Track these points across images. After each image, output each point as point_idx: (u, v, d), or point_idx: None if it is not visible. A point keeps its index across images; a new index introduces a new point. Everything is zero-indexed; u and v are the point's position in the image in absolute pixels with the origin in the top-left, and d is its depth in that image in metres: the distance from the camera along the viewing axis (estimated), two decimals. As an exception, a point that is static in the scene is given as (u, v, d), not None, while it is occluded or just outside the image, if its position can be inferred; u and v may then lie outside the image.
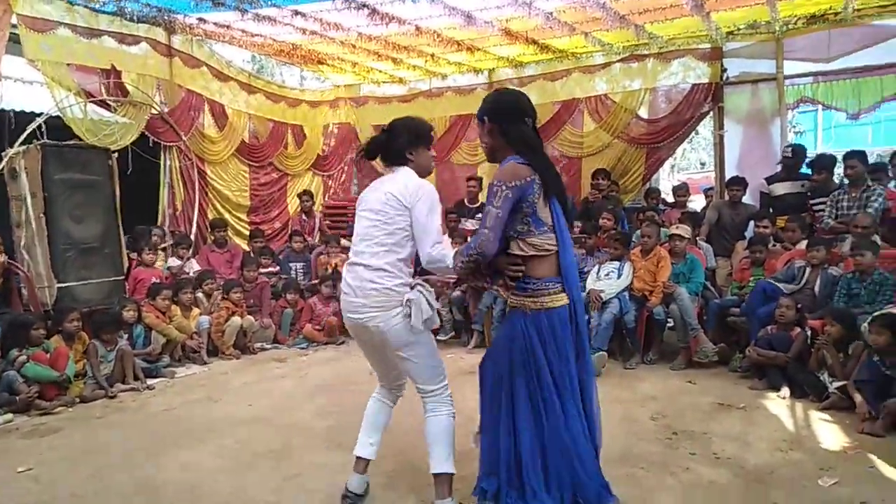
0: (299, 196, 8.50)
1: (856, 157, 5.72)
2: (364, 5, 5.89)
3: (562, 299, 2.55)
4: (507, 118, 2.59)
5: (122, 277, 5.79)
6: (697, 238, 6.28)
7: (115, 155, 5.92)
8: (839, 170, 6.74)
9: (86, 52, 6.28)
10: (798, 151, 6.37)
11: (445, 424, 2.79)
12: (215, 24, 6.82)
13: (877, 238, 5.15)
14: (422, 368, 2.78)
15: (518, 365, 2.56)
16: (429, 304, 2.67)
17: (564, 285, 2.56)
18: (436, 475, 2.77)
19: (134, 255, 6.22)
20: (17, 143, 5.34)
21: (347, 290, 2.76)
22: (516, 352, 2.56)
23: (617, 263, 5.69)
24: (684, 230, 5.73)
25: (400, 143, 2.77)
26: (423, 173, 2.82)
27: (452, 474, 2.78)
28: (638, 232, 6.07)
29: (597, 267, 5.77)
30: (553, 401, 2.52)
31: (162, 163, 7.28)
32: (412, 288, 2.68)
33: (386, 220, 2.69)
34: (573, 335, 2.57)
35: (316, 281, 7.16)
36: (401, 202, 2.66)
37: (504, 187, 2.44)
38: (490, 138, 2.64)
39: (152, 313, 5.62)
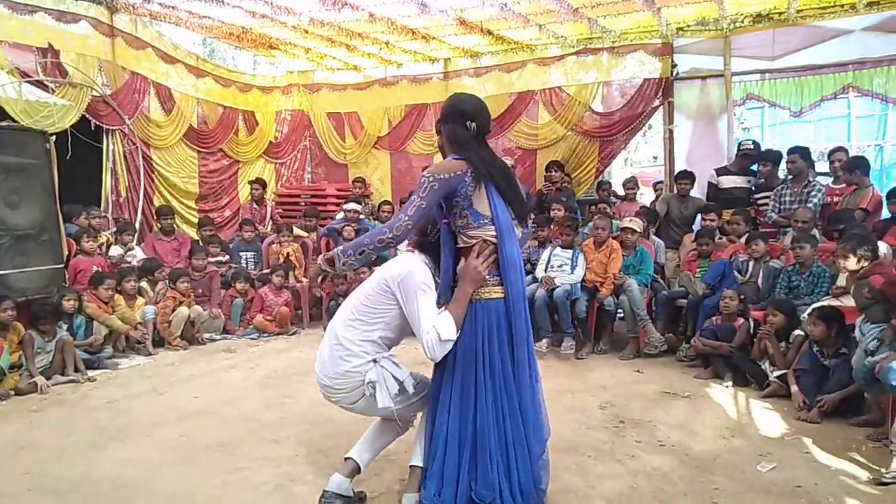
0: (250, 184, 8.30)
1: (798, 152, 5.91)
2: (316, -11, 5.77)
3: (497, 292, 2.58)
4: (447, 119, 2.69)
5: (62, 266, 5.55)
6: (651, 233, 6.40)
7: (54, 138, 5.66)
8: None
9: (19, 29, 5.98)
10: (758, 145, 6.58)
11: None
12: (161, 4, 6.58)
13: (816, 232, 5.35)
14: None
15: (458, 354, 2.58)
16: (394, 378, 2.65)
17: (503, 279, 2.57)
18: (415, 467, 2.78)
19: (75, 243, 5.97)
20: (-55, 124, 5.05)
21: None
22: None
23: (570, 253, 5.75)
24: (637, 224, 5.84)
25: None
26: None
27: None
28: (591, 224, 6.15)
29: (546, 256, 5.80)
30: (481, 391, 2.54)
31: (105, 147, 7.00)
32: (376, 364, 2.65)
33: None
34: (507, 331, 2.57)
35: (267, 270, 7.02)
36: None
37: (431, 178, 2.50)
38: (438, 137, 2.81)
39: (94, 303, 5.42)
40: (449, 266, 2.70)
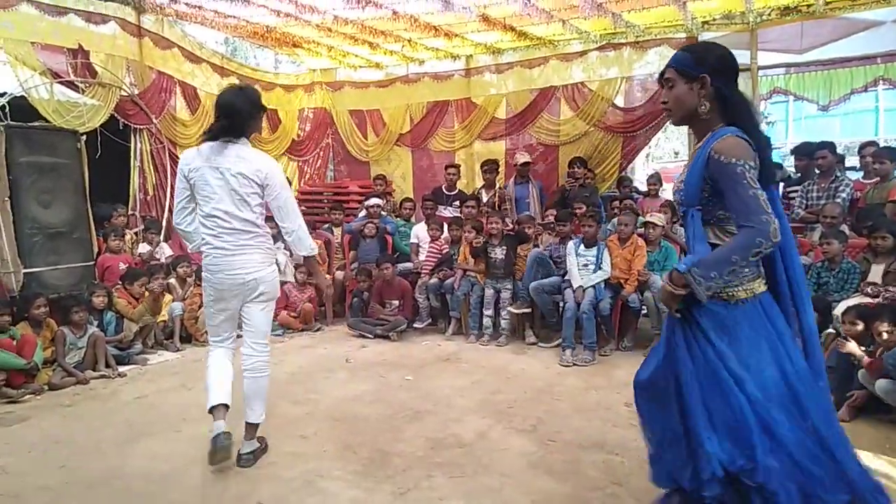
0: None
1: (826, 147, 5.82)
2: (340, -12, 5.80)
3: (761, 285, 2.19)
4: (728, 78, 2.19)
5: (92, 263, 5.66)
6: (676, 225, 6.33)
7: (84, 138, 5.76)
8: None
9: (51, 31, 6.09)
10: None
11: (266, 384, 3.35)
12: (187, 4, 6.67)
13: (845, 228, 5.26)
14: (264, 325, 3.33)
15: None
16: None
17: (761, 272, 2.21)
18: (250, 424, 3.29)
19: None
20: (-21, 125, 5.16)
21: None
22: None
23: (594, 251, 5.72)
24: (658, 218, 5.79)
25: (248, 118, 3.22)
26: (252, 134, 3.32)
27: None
28: (615, 220, 6.11)
29: (573, 258, 5.75)
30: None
31: (132, 146, 7.11)
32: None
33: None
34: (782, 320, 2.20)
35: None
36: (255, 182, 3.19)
37: (748, 167, 2.03)
38: (700, 101, 2.18)
39: (124, 299, 5.51)
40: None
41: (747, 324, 2.14)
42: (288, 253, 3.34)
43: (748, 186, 2.02)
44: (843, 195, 5.56)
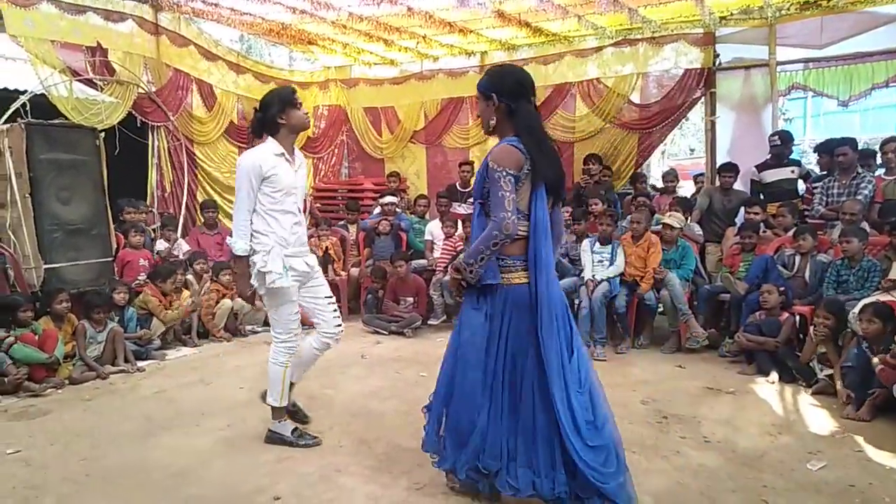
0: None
1: (847, 144, 5.74)
2: (356, -15, 5.81)
3: (521, 278, 2.59)
4: (516, 97, 2.58)
5: (111, 259, 5.72)
6: (689, 221, 6.29)
7: (102, 135, 5.82)
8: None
9: (71, 29, 6.15)
10: (785, 137, 6.38)
11: (274, 371, 3.43)
12: (203, 1, 6.71)
13: (865, 225, 5.19)
14: (271, 318, 3.46)
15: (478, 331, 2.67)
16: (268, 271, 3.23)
17: (529, 266, 2.58)
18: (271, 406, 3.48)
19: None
20: (0, 122, 5.23)
21: None
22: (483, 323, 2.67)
23: (608, 248, 5.70)
24: (676, 219, 5.75)
25: (273, 113, 3.24)
26: (300, 130, 3.36)
27: (275, 407, 3.47)
28: (629, 217, 6.08)
29: (588, 256, 5.73)
30: (499, 368, 2.62)
31: (150, 143, 7.18)
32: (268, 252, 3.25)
33: None
34: (530, 317, 2.57)
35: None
36: None
37: (505, 174, 2.49)
38: (495, 116, 2.64)
39: (156, 297, 5.57)
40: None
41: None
42: (272, 256, 3.37)
43: (500, 188, 2.48)
44: (865, 192, 5.47)
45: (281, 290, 3.29)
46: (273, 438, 3.50)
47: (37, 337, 4.60)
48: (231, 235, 3.35)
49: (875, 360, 3.77)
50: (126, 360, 5.07)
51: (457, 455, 2.68)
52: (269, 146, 3.26)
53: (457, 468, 2.69)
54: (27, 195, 5.07)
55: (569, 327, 2.66)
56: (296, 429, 3.53)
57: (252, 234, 3.27)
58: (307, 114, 3.42)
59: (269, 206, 3.25)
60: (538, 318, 2.55)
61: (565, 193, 2.75)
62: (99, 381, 4.76)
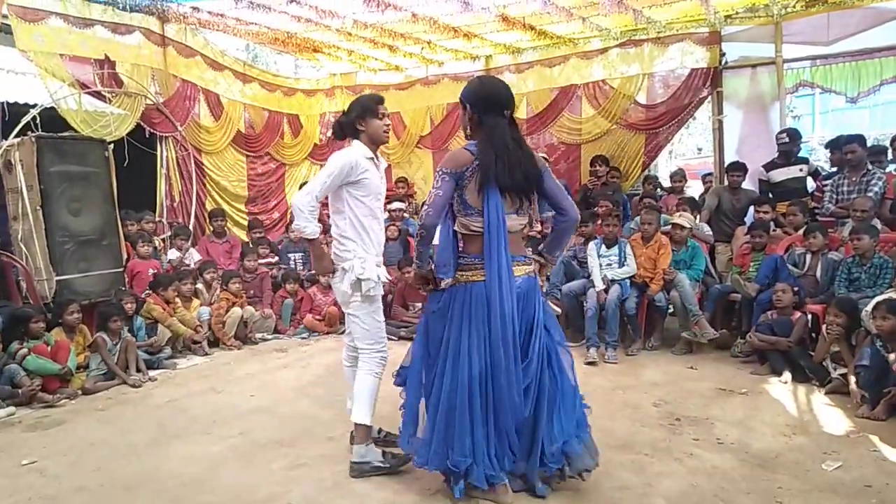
0: (299, 187, 8.46)
1: (855, 141, 5.70)
2: (360, -8, 5.83)
3: (478, 276, 2.76)
4: (485, 110, 2.77)
5: (122, 269, 5.76)
6: (698, 221, 6.26)
7: (111, 146, 5.87)
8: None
9: (79, 43, 6.22)
10: (793, 136, 6.34)
11: (367, 382, 3.20)
12: (209, 12, 6.75)
13: (876, 222, 5.15)
14: (356, 328, 3.25)
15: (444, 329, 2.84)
16: (367, 278, 3.14)
17: (486, 264, 2.73)
18: (356, 424, 3.18)
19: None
20: (11, 136, 5.29)
21: None
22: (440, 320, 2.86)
23: (615, 250, 5.67)
24: (686, 220, 5.73)
25: (351, 117, 3.24)
26: (377, 142, 3.28)
27: (366, 425, 3.18)
28: (637, 219, 6.06)
29: (595, 260, 5.71)
30: (460, 365, 2.75)
31: (158, 154, 7.23)
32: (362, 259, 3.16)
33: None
34: (486, 313, 2.72)
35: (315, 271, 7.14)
36: None
37: (442, 171, 2.75)
38: (469, 125, 2.86)
39: (160, 305, 5.60)
40: (448, 244, 2.87)
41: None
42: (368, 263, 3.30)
43: (434, 187, 2.74)
44: (876, 189, 5.43)
45: (375, 297, 3.23)
46: (362, 470, 3.11)
47: (49, 348, 4.64)
48: (295, 222, 3.30)
49: (891, 356, 3.73)
50: (138, 370, 5.09)
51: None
52: (360, 149, 3.21)
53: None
54: (38, 208, 5.12)
55: (529, 321, 2.81)
56: (384, 452, 3.21)
57: (341, 240, 3.21)
58: (388, 126, 3.34)
59: (361, 212, 3.17)
60: (489, 314, 2.71)
61: (532, 195, 2.85)
62: (112, 391, 4.79)
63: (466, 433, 2.72)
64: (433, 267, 2.91)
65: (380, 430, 3.50)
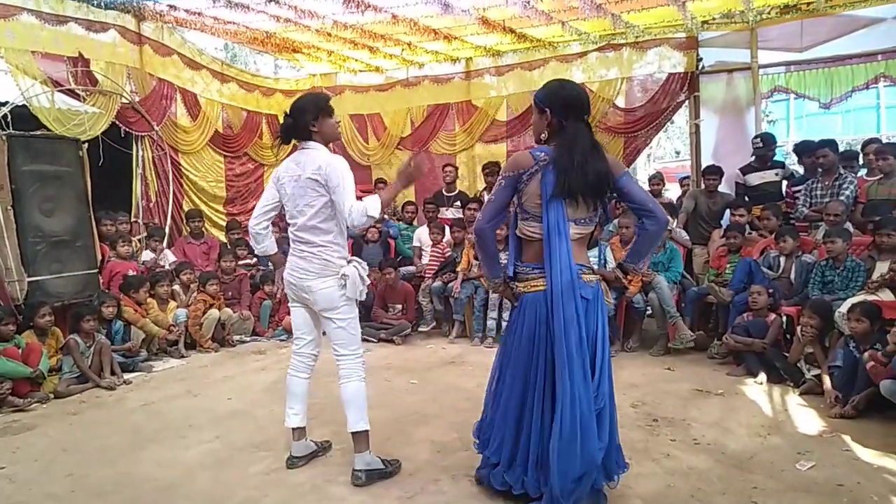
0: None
1: (827, 146, 5.81)
2: (340, -7, 5.81)
3: (539, 285, 2.64)
4: (567, 114, 2.65)
5: (96, 271, 5.65)
6: (674, 227, 6.33)
7: (86, 145, 5.77)
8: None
9: (52, 40, 6.10)
10: (767, 140, 6.43)
11: (361, 389, 3.14)
12: (186, 11, 6.68)
13: (849, 225, 5.25)
14: (343, 333, 3.13)
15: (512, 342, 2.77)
16: (361, 279, 3.10)
17: (546, 270, 2.60)
18: (354, 433, 3.10)
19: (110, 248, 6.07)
20: (-18, 134, 5.17)
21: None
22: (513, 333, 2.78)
23: (594, 251, 5.71)
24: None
25: (307, 119, 3.09)
26: (332, 140, 3.22)
27: (367, 431, 3.12)
28: (616, 221, 6.11)
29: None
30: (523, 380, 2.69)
31: (134, 153, 7.12)
32: (349, 263, 3.09)
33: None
34: (548, 322, 2.59)
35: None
36: (318, 182, 3.01)
37: (500, 177, 2.68)
38: (547, 129, 2.70)
39: (131, 307, 5.52)
40: (513, 249, 2.81)
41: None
42: (361, 266, 3.18)
43: (492, 192, 2.70)
44: (847, 192, 5.54)
45: (356, 301, 3.17)
46: (371, 476, 3.06)
47: (20, 351, 4.54)
48: (357, 211, 2.93)
49: (865, 356, 3.80)
50: (112, 373, 5.00)
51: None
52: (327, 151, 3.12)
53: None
54: (9, 207, 5.00)
55: (593, 334, 2.65)
56: (381, 458, 3.18)
57: (332, 247, 3.09)
58: (339, 123, 3.30)
59: (340, 217, 3.06)
60: (551, 324, 2.58)
61: (605, 201, 2.74)
62: (85, 395, 4.70)
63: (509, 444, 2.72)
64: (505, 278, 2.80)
65: (321, 443, 3.47)
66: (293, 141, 3.18)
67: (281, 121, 3.20)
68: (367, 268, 3.20)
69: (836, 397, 3.92)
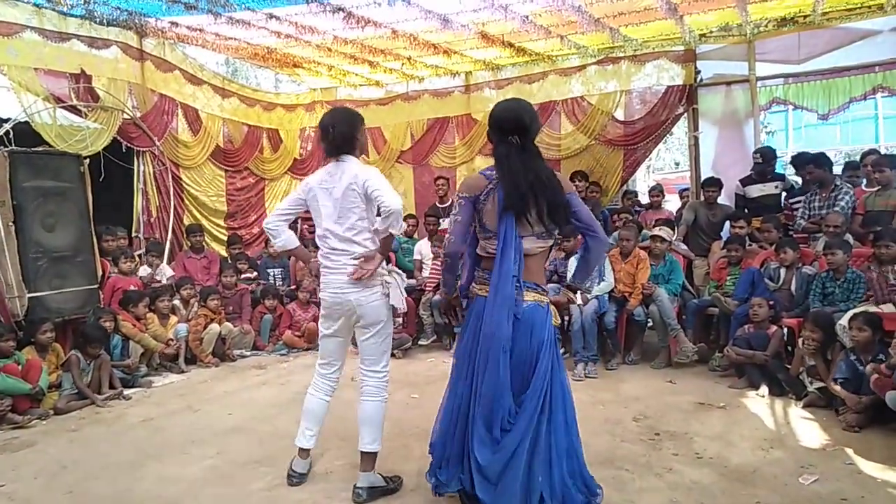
0: (281, 199, 8.41)
1: (811, 162, 5.89)
2: (340, 9, 5.84)
3: (483, 291, 2.75)
4: (496, 133, 2.78)
5: (97, 286, 5.66)
6: (674, 240, 6.34)
7: (87, 161, 5.79)
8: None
9: (54, 57, 6.14)
10: (767, 154, 6.46)
11: (382, 410, 3.14)
12: (188, 27, 6.72)
13: (849, 237, 5.26)
14: (376, 349, 3.13)
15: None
16: (400, 288, 3.13)
17: (490, 281, 2.70)
18: (365, 453, 3.08)
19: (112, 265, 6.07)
20: (-16, 150, 5.19)
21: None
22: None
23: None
24: (666, 232, 5.80)
25: (357, 128, 3.14)
26: (363, 152, 3.26)
27: (377, 452, 3.12)
28: (616, 234, 6.12)
29: (572, 269, 5.73)
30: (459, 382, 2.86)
31: (135, 168, 7.14)
32: (389, 273, 3.11)
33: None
34: (476, 327, 2.73)
35: (294, 287, 7.08)
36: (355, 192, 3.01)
37: (458, 197, 2.79)
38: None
39: (128, 321, 5.51)
40: (472, 268, 2.88)
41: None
42: (400, 275, 3.21)
43: (453, 213, 2.78)
44: (843, 203, 5.56)
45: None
46: (373, 494, 3.05)
47: (20, 367, 4.53)
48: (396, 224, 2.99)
49: (868, 368, 3.79)
50: (112, 387, 4.99)
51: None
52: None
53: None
54: (11, 223, 5.01)
55: (529, 357, 2.68)
56: (383, 475, 3.16)
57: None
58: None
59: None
60: (481, 330, 2.71)
61: (555, 219, 2.73)
62: (85, 411, 4.68)
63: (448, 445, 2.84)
64: (458, 293, 2.96)
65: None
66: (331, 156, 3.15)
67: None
68: (405, 278, 3.23)
69: (858, 400, 3.84)
